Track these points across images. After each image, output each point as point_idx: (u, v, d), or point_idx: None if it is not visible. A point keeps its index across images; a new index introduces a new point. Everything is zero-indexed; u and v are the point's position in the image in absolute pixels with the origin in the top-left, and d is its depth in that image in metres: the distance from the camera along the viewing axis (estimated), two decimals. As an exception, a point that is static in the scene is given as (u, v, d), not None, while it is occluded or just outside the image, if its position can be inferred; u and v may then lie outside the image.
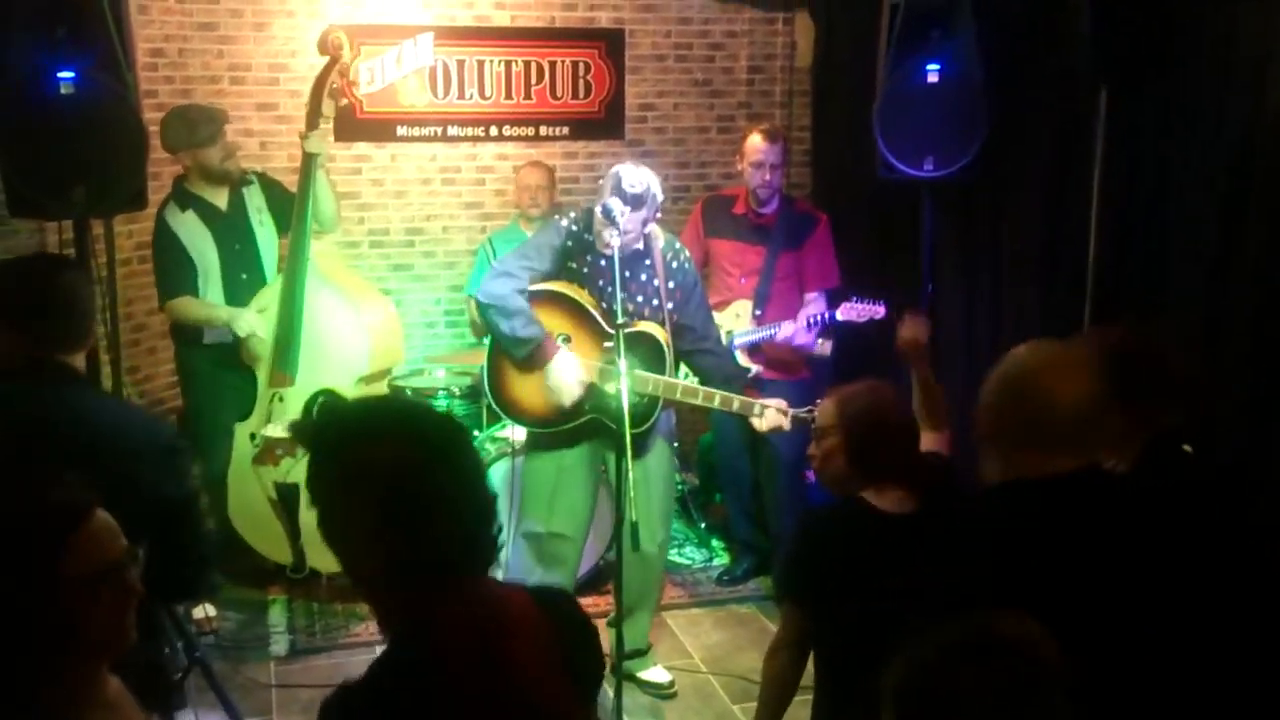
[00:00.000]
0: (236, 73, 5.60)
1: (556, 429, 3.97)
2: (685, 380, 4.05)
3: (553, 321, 3.88)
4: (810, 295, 4.76)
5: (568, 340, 3.89)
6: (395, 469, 1.55)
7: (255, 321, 4.40)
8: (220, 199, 4.57)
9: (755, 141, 4.67)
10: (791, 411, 3.83)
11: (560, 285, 3.92)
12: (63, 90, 3.33)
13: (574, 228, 3.90)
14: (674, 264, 3.96)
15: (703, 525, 5.61)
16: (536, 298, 3.87)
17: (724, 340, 4.70)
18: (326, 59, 4.48)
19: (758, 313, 4.75)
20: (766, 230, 4.77)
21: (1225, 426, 3.42)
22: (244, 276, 4.56)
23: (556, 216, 4.08)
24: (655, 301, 3.89)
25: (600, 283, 3.88)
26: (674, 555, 5.40)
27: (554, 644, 1.65)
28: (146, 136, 3.56)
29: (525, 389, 3.94)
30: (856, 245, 5.10)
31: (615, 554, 3.65)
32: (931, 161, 4.25)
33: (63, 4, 3.41)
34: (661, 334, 3.88)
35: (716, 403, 3.90)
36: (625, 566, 3.66)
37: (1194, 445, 2.67)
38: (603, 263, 3.84)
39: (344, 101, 4.58)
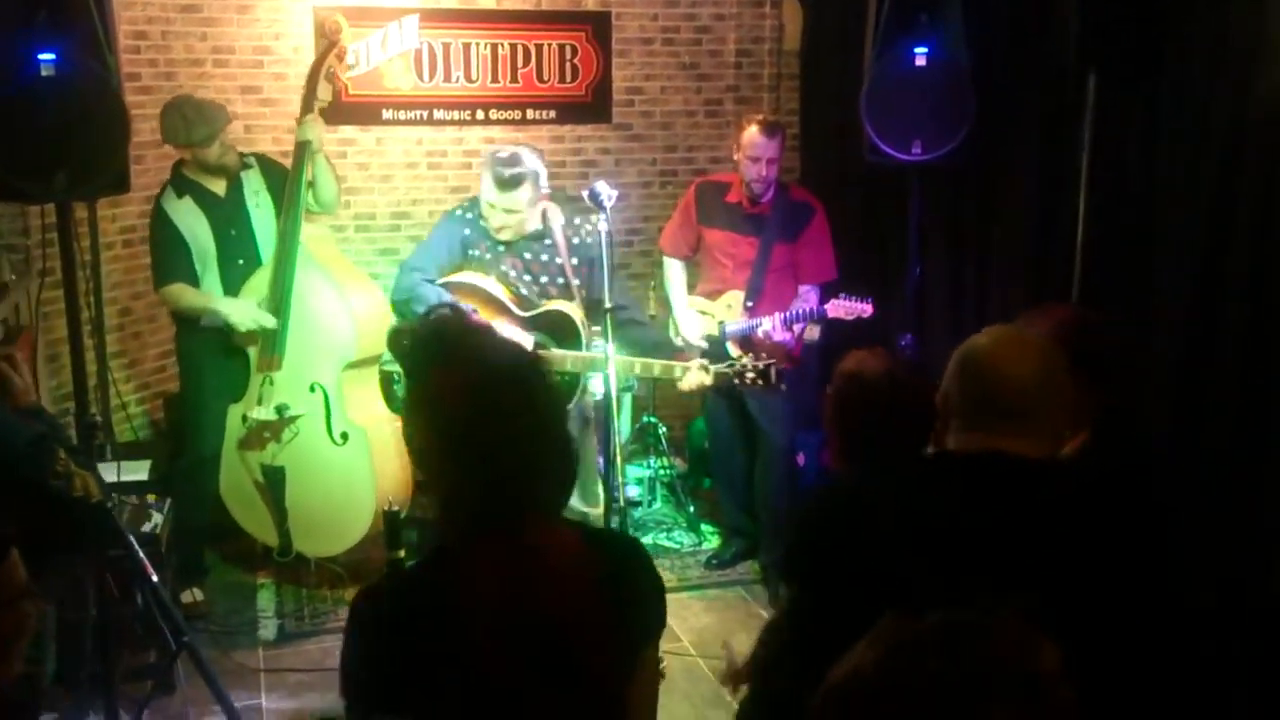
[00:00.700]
0: (220, 55, 5.55)
1: None
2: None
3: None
4: (804, 289, 4.71)
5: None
6: (463, 395, 1.66)
7: (253, 312, 4.35)
8: (218, 186, 4.54)
9: (753, 134, 4.57)
10: (714, 368, 3.86)
11: (469, 275, 3.97)
12: (43, 73, 3.29)
13: (469, 215, 3.98)
14: (575, 240, 4.00)
15: (691, 509, 5.62)
16: (449, 289, 3.92)
17: (716, 330, 4.70)
18: (324, 42, 4.45)
19: (749, 304, 4.72)
20: (761, 220, 4.72)
21: (1213, 418, 3.43)
22: (240, 262, 4.53)
23: (454, 209, 4.14)
24: (561, 280, 3.93)
25: (503, 268, 3.94)
26: (663, 539, 5.43)
27: (597, 593, 1.67)
28: (128, 119, 3.53)
29: None
30: (844, 229, 5.08)
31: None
32: (919, 146, 4.25)
33: (44, -13, 3.37)
34: (575, 311, 3.92)
35: (637, 370, 3.94)
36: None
37: (1179, 438, 2.69)
38: (501, 248, 3.94)
39: (339, 85, 4.55)
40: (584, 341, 3.91)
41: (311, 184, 4.47)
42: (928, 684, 1.26)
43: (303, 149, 4.38)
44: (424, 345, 1.75)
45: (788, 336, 4.57)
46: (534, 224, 3.93)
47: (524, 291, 3.86)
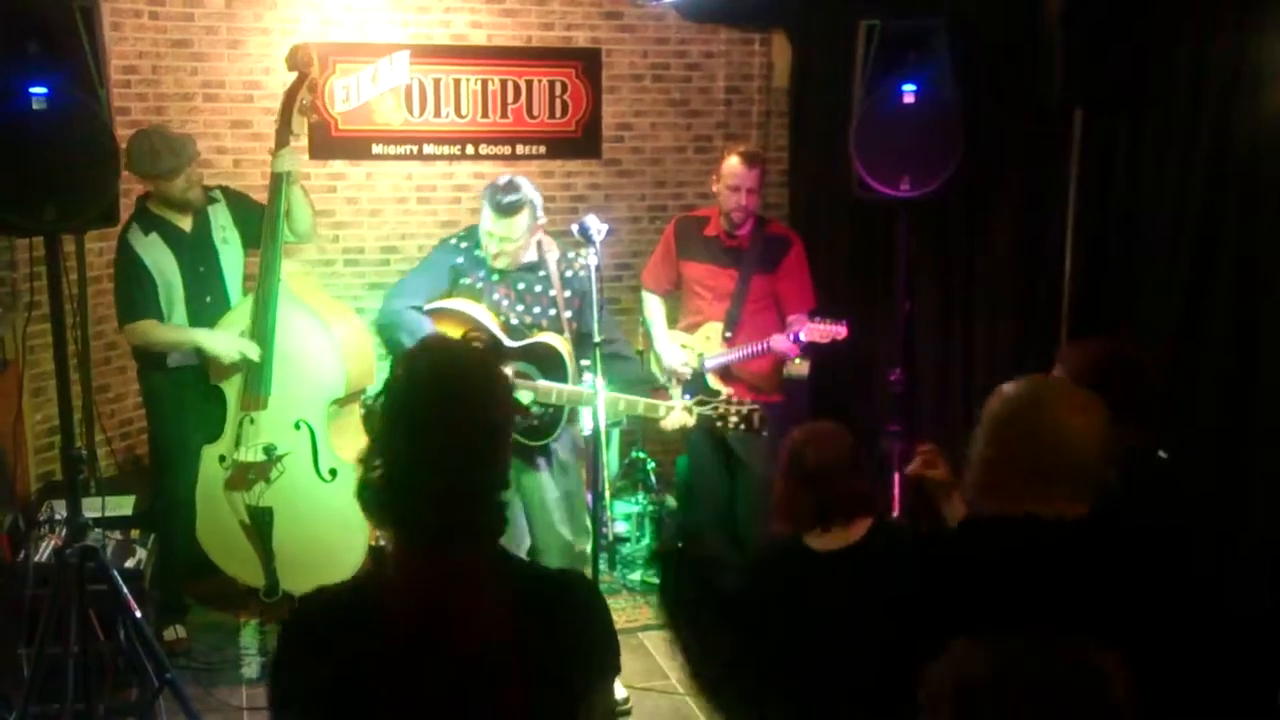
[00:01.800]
0: (210, 90, 5.56)
1: None
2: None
3: (454, 335, 3.89)
4: (792, 318, 4.71)
5: None
6: (406, 406, 1.69)
7: (240, 343, 4.26)
8: (184, 222, 4.47)
9: (733, 165, 4.64)
10: (697, 410, 3.85)
11: (457, 302, 3.96)
12: (35, 106, 3.28)
13: (463, 244, 3.98)
14: (568, 273, 4.00)
15: (680, 545, 5.58)
16: (436, 315, 3.90)
17: (695, 363, 4.70)
18: (295, 74, 4.40)
19: (728, 335, 4.73)
20: (739, 253, 4.75)
21: (1198, 445, 3.44)
22: (208, 299, 4.47)
23: (447, 238, 4.14)
24: (553, 311, 3.92)
25: (495, 297, 3.94)
26: (651, 576, 5.38)
27: (515, 631, 1.63)
28: (119, 152, 3.51)
29: None
30: (834, 265, 5.12)
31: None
32: (908, 182, 4.27)
33: (36, 20, 3.36)
34: (563, 344, 3.90)
35: (622, 406, 3.91)
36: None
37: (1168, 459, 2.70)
38: (495, 277, 3.94)
39: (314, 118, 4.50)
40: (569, 374, 3.89)
41: (287, 214, 4.39)
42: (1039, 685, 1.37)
43: (279, 180, 4.33)
44: (431, 350, 1.79)
45: (795, 349, 4.52)
46: (530, 255, 3.92)
47: (514, 321, 3.86)
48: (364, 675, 1.60)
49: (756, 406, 3.83)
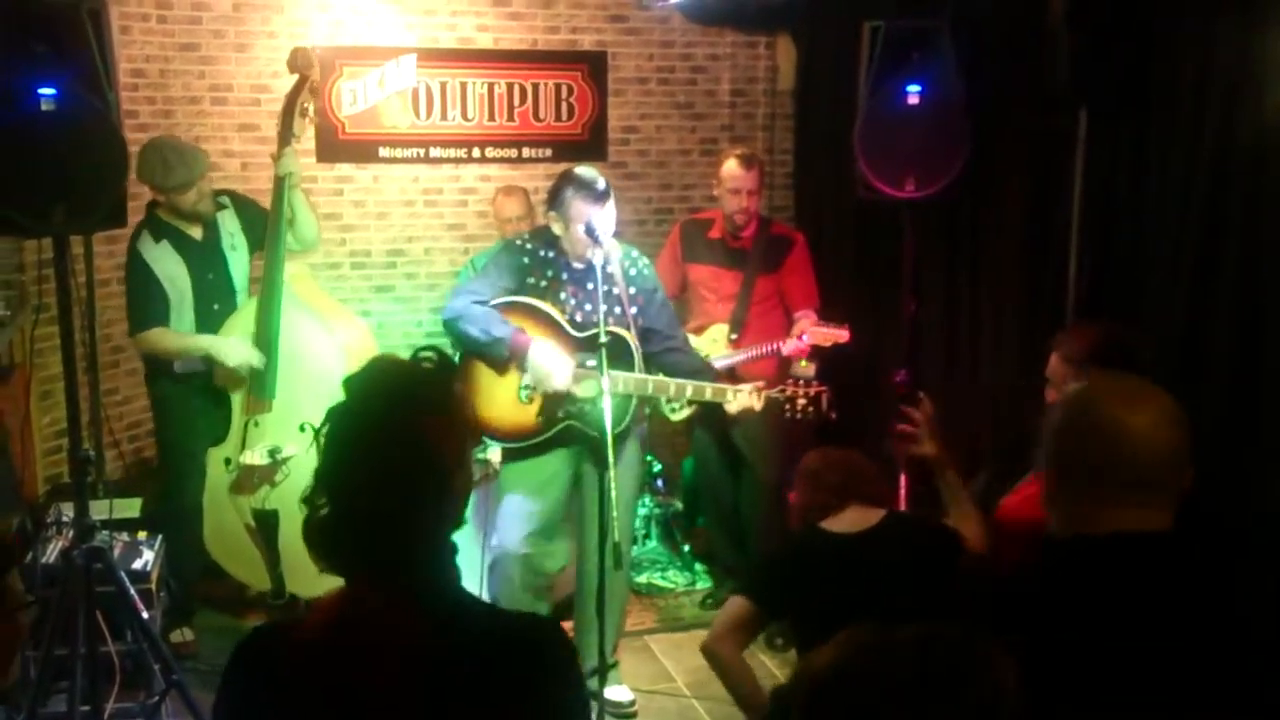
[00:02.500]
0: (218, 93, 5.59)
1: (533, 441, 3.94)
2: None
3: (522, 327, 3.86)
4: (799, 314, 4.74)
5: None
6: (348, 413, 1.62)
7: (244, 348, 4.27)
8: (195, 230, 4.47)
9: (731, 168, 4.68)
10: (766, 392, 3.81)
11: (524, 297, 3.93)
12: (43, 106, 3.28)
13: (529, 245, 3.94)
14: (632, 271, 3.97)
15: (686, 549, 5.59)
16: (503, 309, 3.87)
17: None
18: (296, 76, 4.40)
19: (733, 336, 4.75)
20: (743, 254, 4.78)
21: (1202, 444, 3.42)
22: (216, 306, 4.47)
23: (514, 238, 4.10)
24: (619, 309, 3.88)
25: (562, 295, 3.90)
26: (657, 579, 5.39)
27: (412, 680, 1.51)
28: (127, 153, 3.52)
29: (498, 403, 3.90)
30: (840, 266, 5.12)
31: (599, 578, 3.63)
32: (913, 182, 4.26)
33: (44, 21, 3.37)
34: (628, 334, 3.88)
35: (689, 393, 3.90)
36: (598, 581, 3.66)
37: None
38: (564, 275, 3.89)
39: (317, 121, 4.50)
40: (636, 364, 3.86)
41: (291, 221, 4.39)
42: (895, 684, 1.28)
43: (282, 183, 4.32)
44: (372, 372, 1.68)
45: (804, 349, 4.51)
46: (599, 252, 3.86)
47: (579, 319, 3.84)
48: (259, 713, 1.59)
49: (824, 388, 3.80)
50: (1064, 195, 4.06)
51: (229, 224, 4.56)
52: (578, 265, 3.88)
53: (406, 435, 1.58)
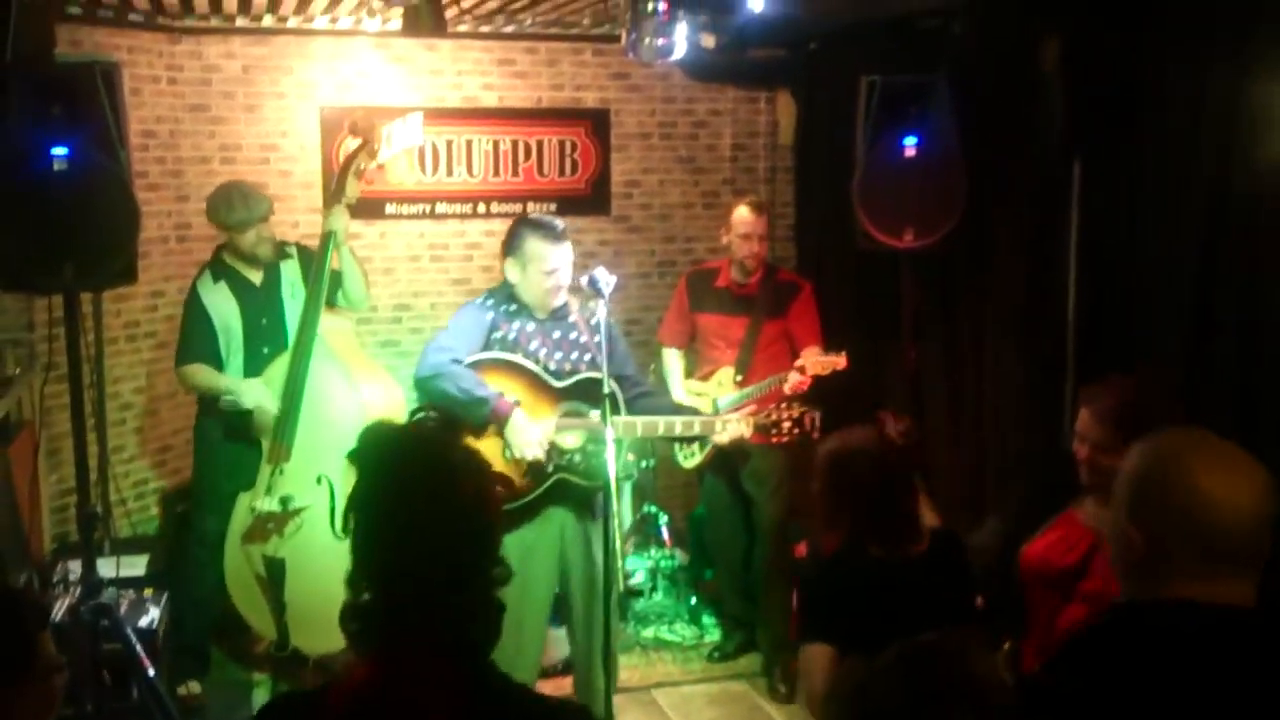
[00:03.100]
0: (227, 153, 5.67)
1: (523, 501, 3.79)
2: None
3: (501, 385, 3.78)
4: (806, 351, 4.78)
5: (517, 403, 3.78)
6: (371, 493, 1.59)
7: (261, 393, 4.36)
8: (254, 275, 4.62)
9: (743, 214, 4.76)
10: (754, 418, 3.82)
11: (499, 354, 3.86)
12: (56, 166, 3.36)
13: (490, 302, 3.89)
14: (592, 321, 3.90)
15: (693, 601, 5.57)
16: (479, 366, 3.79)
17: (709, 408, 4.73)
18: (357, 140, 4.55)
19: (739, 378, 4.79)
20: (750, 300, 4.84)
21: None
22: (266, 350, 4.56)
23: (475, 299, 4.02)
24: (588, 355, 3.87)
25: (532, 347, 3.86)
26: (664, 632, 5.37)
27: None
28: (139, 211, 3.58)
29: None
30: (841, 316, 5.15)
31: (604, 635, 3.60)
32: (911, 233, 4.32)
33: (58, 82, 3.46)
34: (611, 380, 3.80)
35: (678, 429, 3.89)
36: (594, 635, 3.64)
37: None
38: (530, 327, 3.86)
39: (370, 183, 4.62)
40: (621, 407, 3.82)
41: (337, 277, 4.51)
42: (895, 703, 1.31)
43: (327, 238, 4.44)
44: (378, 444, 1.64)
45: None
46: (559, 299, 3.86)
47: (553, 367, 3.82)
48: None
49: (806, 407, 3.81)
50: (1061, 244, 4.10)
51: (290, 273, 4.68)
52: (540, 315, 3.86)
53: (446, 506, 1.56)
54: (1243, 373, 3.44)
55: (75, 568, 4.00)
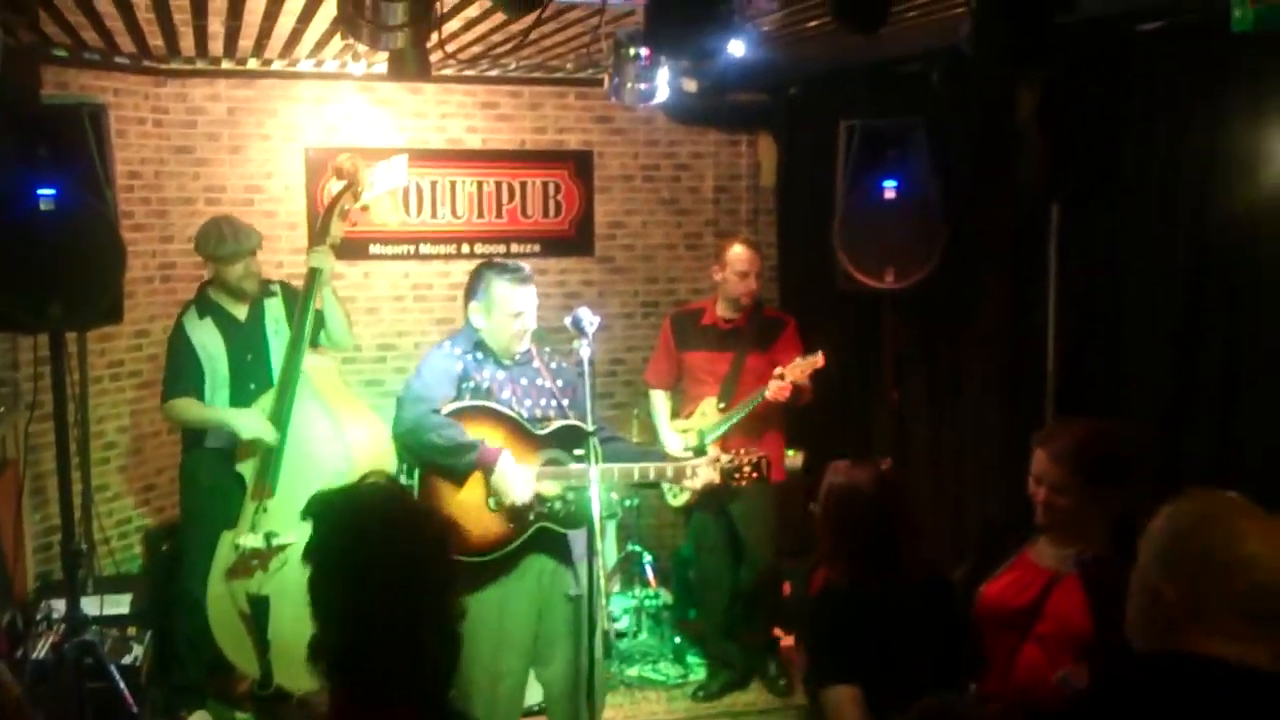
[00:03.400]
0: (212, 194, 5.70)
1: (504, 551, 3.71)
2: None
3: (482, 434, 3.72)
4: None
5: (503, 450, 3.74)
6: (323, 545, 1.66)
7: (258, 423, 4.35)
8: (240, 310, 4.65)
9: (740, 252, 4.82)
10: (722, 464, 3.80)
11: (477, 400, 3.80)
12: (43, 206, 3.39)
13: (457, 350, 3.84)
14: (553, 364, 3.94)
15: (677, 640, 5.56)
16: (459, 415, 3.72)
17: (695, 441, 4.78)
18: (343, 184, 4.62)
19: (721, 405, 4.85)
20: (736, 334, 4.91)
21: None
22: (252, 386, 4.58)
23: (439, 344, 3.96)
24: (554, 402, 3.86)
25: (504, 395, 3.81)
26: (648, 671, 5.35)
27: None
28: (124, 251, 3.62)
29: (465, 516, 3.68)
30: (801, 353, 5.19)
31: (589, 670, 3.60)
32: (892, 274, 4.37)
33: (45, 124, 3.50)
34: (583, 425, 3.77)
35: (652, 475, 3.90)
36: (579, 676, 3.63)
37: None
38: (500, 375, 3.82)
39: (354, 224, 4.67)
40: (596, 453, 3.72)
41: (320, 316, 4.54)
42: None
43: (313, 276, 4.48)
44: (330, 501, 1.71)
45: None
46: (523, 345, 3.86)
47: (525, 414, 3.81)
48: None
49: (763, 455, 3.82)
50: (1040, 289, 4.16)
51: (274, 310, 4.71)
52: (506, 361, 3.82)
53: (396, 552, 1.64)
54: (1224, 417, 3.48)
55: (59, 606, 4.00)
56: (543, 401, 3.85)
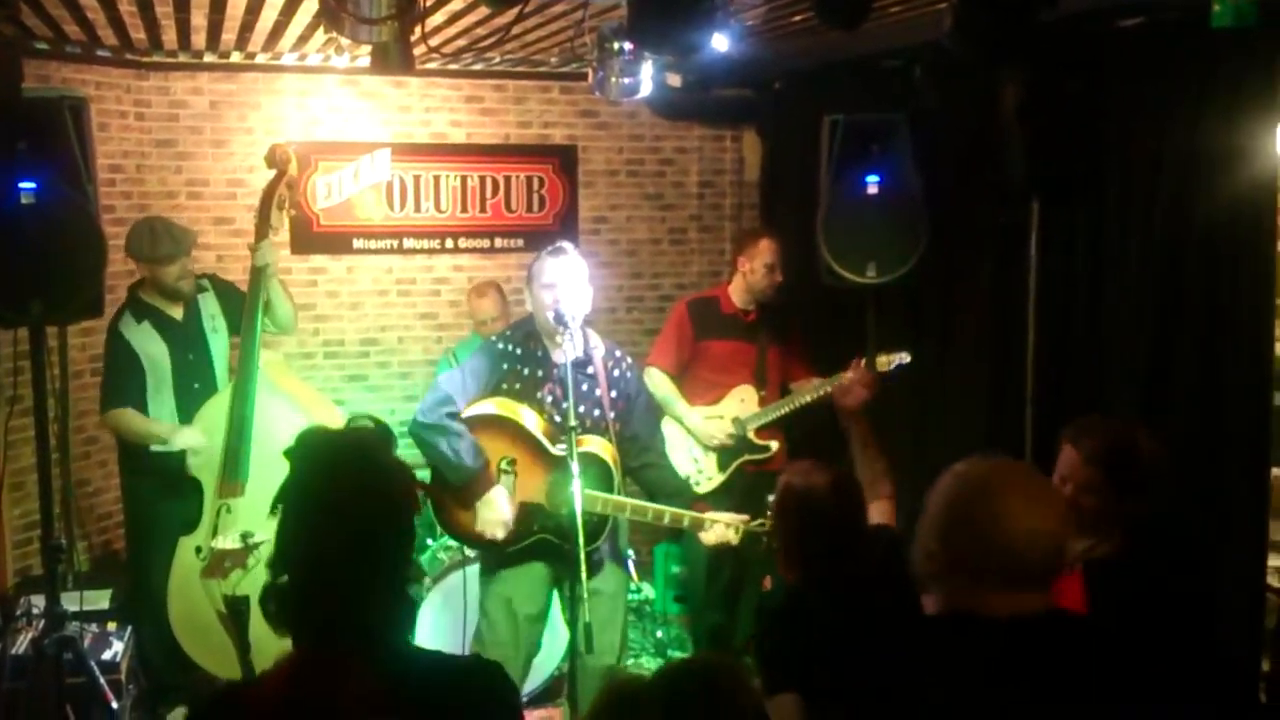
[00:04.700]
0: (194, 188, 5.69)
1: (506, 551, 3.82)
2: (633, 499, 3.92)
3: (495, 446, 3.76)
4: (799, 382, 5.01)
5: (513, 463, 3.78)
6: (301, 485, 1.68)
7: (192, 437, 4.33)
8: (176, 310, 4.58)
9: (770, 244, 4.92)
10: (743, 527, 3.75)
11: (499, 406, 3.82)
12: (23, 200, 3.37)
13: (509, 348, 3.87)
14: (615, 372, 3.92)
15: (658, 635, 5.57)
16: (477, 424, 3.76)
17: (734, 428, 4.81)
18: (274, 171, 4.55)
19: (762, 393, 4.92)
20: (755, 327, 4.99)
21: (1162, 524, 3.50)
22: (196, 386, 4.54)
23: (493, 339, 4.01)
24: (597, 412, 3.83)
25: (539, 394, 3.81)
26: (630, 665, 5.35)
27: None
28: (106, 245, 3.59)
29: (471, 511, 3.79)
30: (806, 350, 5.21)
31: (570, 664, 3.63)
32: (874, 268, 4.38)
33: (26, 117, 3.46)
34: (609, 453, 3.80)
35: (666, 520, 3.83)
36: (583, 679, 3.64)
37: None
38: (542, 372, 3.82)
39: (294, 213, 4.63)
40: (615, 483, 3.78)
41: (267, 305, 4.49)
42: None
43: (259, 274, 4.44)
44: (314, 442, 1.73)
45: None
46: (578, 349, 3.78)
47: (558, 419, 3.72)
48: None
49: None
50: (1020, 284, 4.17)
51: (209, 306, 4.66)
52: (559, 359, 3.75)
53: (374, 501, 1.67)
54: (1202, 412, 3.50)
55: (38, 601, 3.98)
56: (580, 409, 3.75)
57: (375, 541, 1.66)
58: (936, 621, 1.89)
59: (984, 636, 1.81)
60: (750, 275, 4.94)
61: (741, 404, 4.92)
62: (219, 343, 4.62)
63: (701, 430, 4.88)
